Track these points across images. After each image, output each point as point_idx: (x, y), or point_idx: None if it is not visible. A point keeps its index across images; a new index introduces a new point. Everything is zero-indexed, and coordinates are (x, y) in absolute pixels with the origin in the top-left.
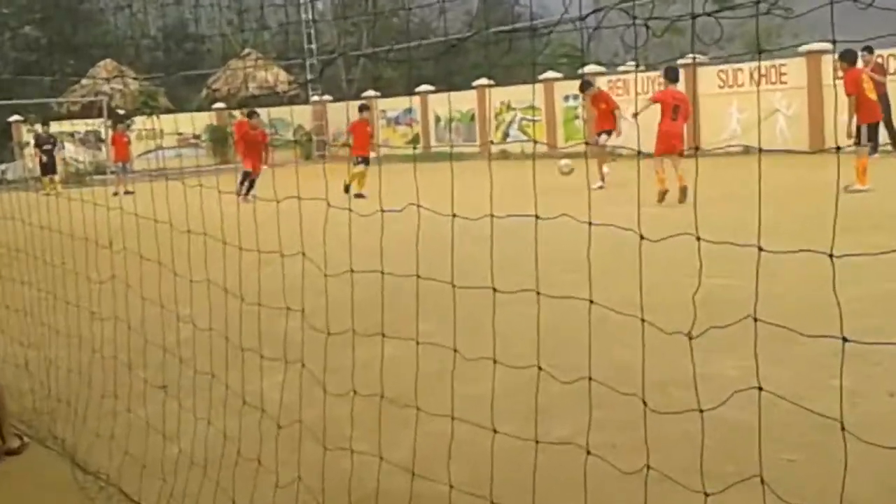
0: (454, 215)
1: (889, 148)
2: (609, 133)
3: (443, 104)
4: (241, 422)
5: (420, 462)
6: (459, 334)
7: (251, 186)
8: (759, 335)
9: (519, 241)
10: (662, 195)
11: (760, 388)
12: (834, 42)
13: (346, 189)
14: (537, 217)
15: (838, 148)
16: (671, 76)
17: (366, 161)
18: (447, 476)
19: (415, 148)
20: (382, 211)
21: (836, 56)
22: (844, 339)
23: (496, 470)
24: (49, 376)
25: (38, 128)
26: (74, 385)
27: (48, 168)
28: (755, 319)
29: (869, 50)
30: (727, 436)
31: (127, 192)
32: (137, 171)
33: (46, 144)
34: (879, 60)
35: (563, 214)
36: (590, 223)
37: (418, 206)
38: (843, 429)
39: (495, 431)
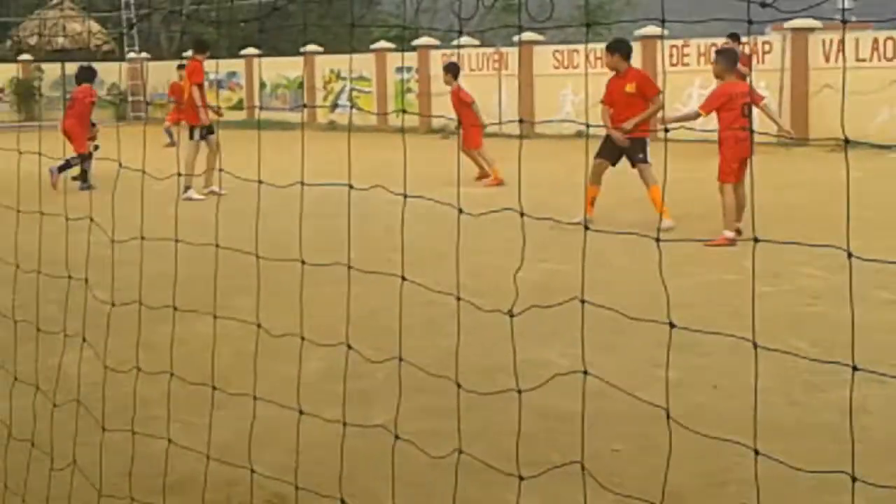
0: (260, 182)
1: None
2: None
3: (269, 69)
4: (34, 402)
5: (237, 446)
6: (281, 312)
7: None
8: (588, 324)
9: (344, 219)
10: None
11: (585, 372)
12: (662, 22)
13: None
14: (351, 186)
15: (666, 130)
16: (453, 71)
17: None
18: (264, 460)
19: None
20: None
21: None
22: (671, 325)
23: (316, 455)
24: None
25: None
26: None
27: None
28: (582, 301)
29: (734, 37)
30: (555, 425)
31: None
32: None
33: None
34: (747, 50)
35: (376, 185)
36: (405, 195)
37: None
38: (668, 417)
39: (301, 413)
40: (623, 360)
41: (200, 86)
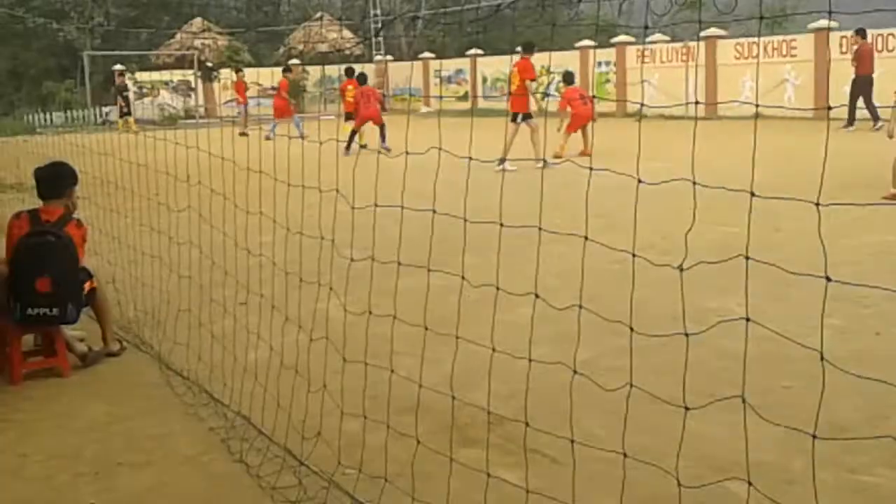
0: (470, 158)
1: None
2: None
3: (489, 66)
4: (297, 338)
5: (461, 376)
6: (496, 267)
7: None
8: (763, 279)
9: (548, 188)
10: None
11: (748, 319)
12: (830, 13)
13: None
14: (545, 161)
15: (829, 108)
16: (568, 79)
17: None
18: (483, 388)
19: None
20: (405, 153)
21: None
22: (828, 279)
23: (523, 386)
24: (136, 291)
25: (118, 77)
26: (156, 300)
27: (126, 111)
28: (746, 258)
29: (861, 32)
30: (730, 364)
31: (242, 134)
32: (221, 118)
33: (125, 91)
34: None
35: (567, 160)
36: (591, 168)
37: (467, 156)
38: (822, 359)
39: (494, 350)
40: (793, 309)
41: (533, 80)
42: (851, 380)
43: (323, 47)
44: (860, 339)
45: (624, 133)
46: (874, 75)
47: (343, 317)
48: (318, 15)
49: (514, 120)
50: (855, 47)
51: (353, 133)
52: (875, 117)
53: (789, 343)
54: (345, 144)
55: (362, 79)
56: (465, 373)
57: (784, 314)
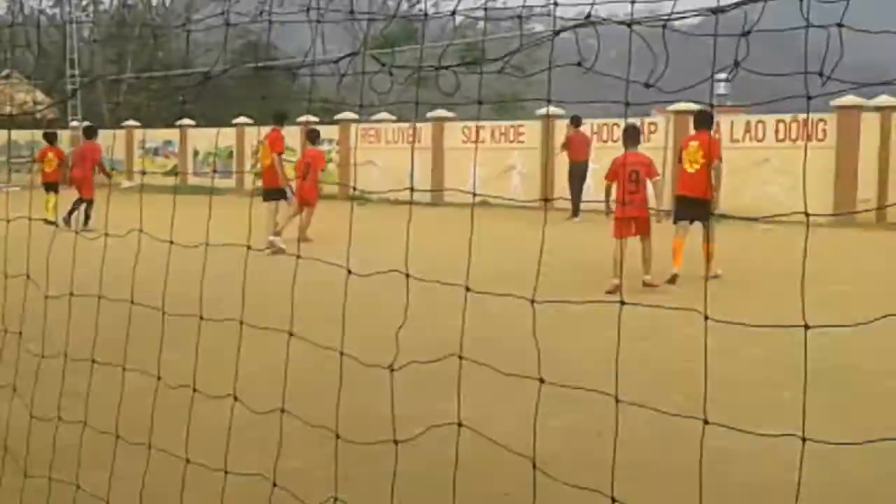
0: (171, 242)
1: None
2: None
3: (201, 139)
4: None
5: (159, 493)
6: (206, 366)
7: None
8: (493, 378)
9: (260, 279)
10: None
11: (460, 424)
12: (549, 102)
13: None
14: (249, 247)
15: (546, 199)
16: (311, 137)
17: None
18: None
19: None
20: (106, 236)
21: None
22: (541, 381)
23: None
24: None
25: None
26: None
27: None
28: (460, 358)
29: (575, 120)
30: (447, 472)
31: None
32: None
33: None
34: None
35: (278, 254)
36: (297, 256)
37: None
38: (534, 467)
39: (188, 460)
40: (520, 410)
41: (280, 154)
42: (574, 481)
43: (8, 109)
44: (582, 439)
45: (345, 218)
46: (592, 165)
47: (28, 423)
48: (6, 72)
49: (272, 198)
50: (565, 136)
51: (80, 202)
52: (576, 208)
53: (516, 446)
54: (66, 213)
55: (90, 132)
56: (158, 487)
57: (510, 415)
